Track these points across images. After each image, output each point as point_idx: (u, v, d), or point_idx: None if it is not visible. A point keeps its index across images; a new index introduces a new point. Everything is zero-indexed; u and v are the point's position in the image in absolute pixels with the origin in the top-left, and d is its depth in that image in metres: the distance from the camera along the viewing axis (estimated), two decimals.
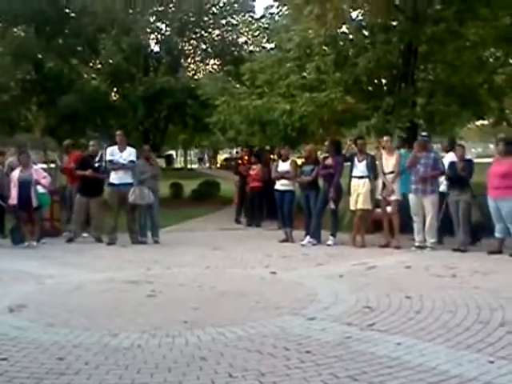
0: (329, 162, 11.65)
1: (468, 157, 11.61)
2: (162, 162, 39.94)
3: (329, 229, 11.66)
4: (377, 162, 11.41)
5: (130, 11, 22.40)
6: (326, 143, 12.20)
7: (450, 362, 4.69)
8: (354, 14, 15.78)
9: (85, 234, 12.64)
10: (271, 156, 16.35)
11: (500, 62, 15.26)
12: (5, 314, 6.50)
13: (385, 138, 11.56)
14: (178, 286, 7.91)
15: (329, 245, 11.35)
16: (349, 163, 11.73)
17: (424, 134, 11.56)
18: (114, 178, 11.99)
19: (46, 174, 12.27)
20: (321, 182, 11.93)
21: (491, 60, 15.61)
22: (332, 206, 11.49)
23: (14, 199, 11.58)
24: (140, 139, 22.27)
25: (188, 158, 59.94)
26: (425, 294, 7.03)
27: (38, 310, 6.72)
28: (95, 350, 5.26)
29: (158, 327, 5.88)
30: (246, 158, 16.01)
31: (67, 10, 22.50)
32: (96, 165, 12.26)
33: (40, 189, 11.83)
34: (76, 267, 9.47)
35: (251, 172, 15.09)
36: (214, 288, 7.75)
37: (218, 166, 51.60)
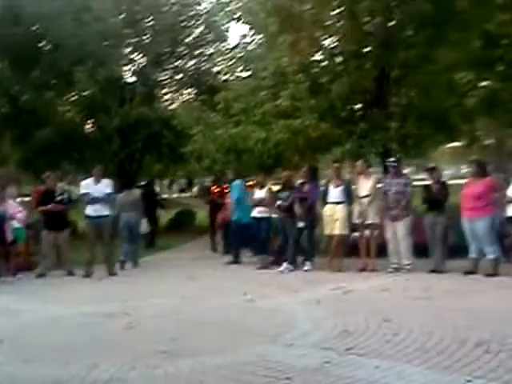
0: (305, 188, 11.72)
1: (443, 179, 11.77)
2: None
3: (306, 254, 11.66)
4: (353, 187, 11.51)
5: (105, 43, 22.44)
6: (303, 170, 12.27)
7: None
8: (326, 42, 15.99)
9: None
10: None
11: (471, 85, 15.49)
12: None
13: (358, 163, 11.69)
14: (156, 317, 7.86)
15: (306, 270, 11.36)
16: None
17: (392, 159, 11.65)
18: (91, 210, 11.90)
19: (21, 208, 12.20)
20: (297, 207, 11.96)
21: (462, 83, 15.84)
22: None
23: None
24: (115, 171, 22.22)
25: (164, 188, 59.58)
26: (402, 316, 7.08)
27: (15, 345, 6.66)
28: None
29: (136, 359, 5.84)
30: (215, 188, 15.98)
31: (42, 44, 22.49)
32: (58, 198, 12.20)
33: (15, 223, 11.74)
34: (52, 301, 9.39)
35: (226, 201, 15.08)
36: (191, 318, 7.73)
37: (194, 195, 51.46)
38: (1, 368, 5.77)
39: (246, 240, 13.26)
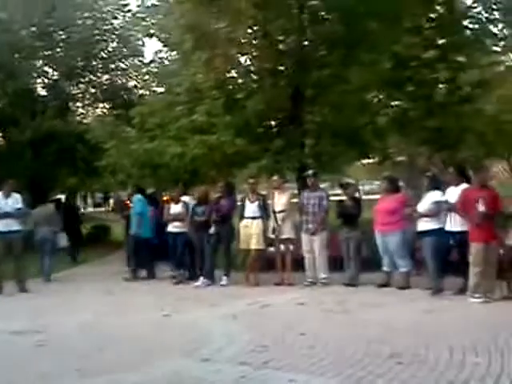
0: (222, 202, 11.73)
1: (356, 195, 12.03)
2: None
3: (222, 269, 11.66)
4: (268, 202, 11.60)
5: (17, 55, 21.89)
6: (220, 185, 12.27)
7: None
8: (242, 59, 16.12)
9: None
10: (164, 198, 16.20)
11: (382, 104, 15.91)
12: None
13: (274, 178, 11.80)
14: (68, 334, 7.65)
15: (223, 285, 11.33)
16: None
17: (309, 173, 11.82)
18: (0, 225, 11.49)
19: None
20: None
21: (374, 102, 16.25)
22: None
23: None
24: (26, 184, 21.59)
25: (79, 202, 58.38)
26: (318, 329, 7.18)
27: None
28: None
29: (47, 377, 5.67)
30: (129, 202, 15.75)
31: None
32: None
33: None
34: None
35: None
36: (105, 334, 7.57)
37: (110, 209, 50.73)
38: None
39: (145, 256, 13.15)
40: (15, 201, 11.69)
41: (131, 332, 7.61)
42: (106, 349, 6.81)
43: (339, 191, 13.46)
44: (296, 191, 13.85)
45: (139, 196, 13.48)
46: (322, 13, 14.93)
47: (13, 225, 11.56)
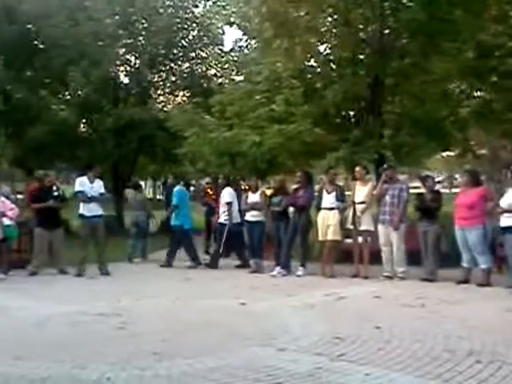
0: (300, 193, 11.72)
1: (436, 188, 11.81)
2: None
3: (298, 259, 11.67)
4: (347, 193, 11.52)
5: (100, 43, 22.44)
6: (298, 174, 12.25)
7: None
8: (321, 48, 16.03)
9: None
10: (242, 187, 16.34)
11: (464, 95, 15.57)
12: None
13: (357, 169, 11.67)
14: (148, 318, 7.84)
15: (298, 275, 11.34)
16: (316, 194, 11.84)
17: (387, 165, 11.68)
18: (85, 209, 11.88)
19: (13, 205, 12.13)
20: (291, 212, 11.97)
21: (456, 93, 15.91)
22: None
23: None
24: (109, 171, 22.20)
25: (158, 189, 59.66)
26: (394, 323, 7.07)
27: (6, 343, 6.60)
28: (63, 383, 5.19)
29: (127, 360, 5.81)
30: (210, 190, 15.92)
31: (36, 43, 22.48)
32: (55, 194, 12.23)
33: (6, 221, 11.68)
34: (44, 299, 9.34)
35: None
36: (183, 319, 7.69)
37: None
38: None
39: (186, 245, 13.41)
40: (99, 186, 12.08)
41: (208, 318, 7.71)
42: (184, 333, 6.94)
43: (417, 184, 13.25)
44: (375, 183, 13.73)
45: (180, 187, 13.66)
46: (404, 0, 14.68)
47: (97, 209, 11.96)
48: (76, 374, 5.40)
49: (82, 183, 12.04)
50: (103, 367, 5.58)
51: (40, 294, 9.79)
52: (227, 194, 13.18)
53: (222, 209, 13.13)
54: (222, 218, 13.07)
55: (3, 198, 12.19)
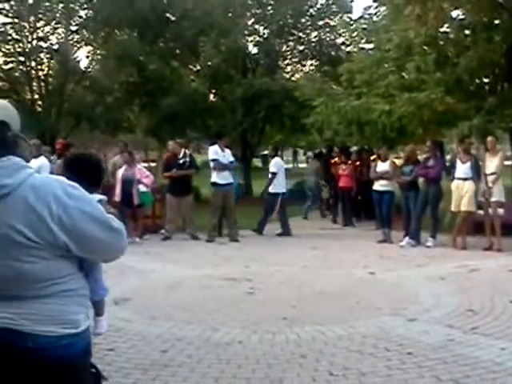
0: (430, 163, 11.45)
1: None
2: (258, 162, 40.30)
3: (428, 230, 11.43)
4: (480, 163, 11.12)
5: (229, 14, 22.73)
6: (427, 144, 11.96)
7: None
8: (454, 13, 15.44)
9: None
10: (370, 156, 16.14)
11: None
12: (111, 306, 6.68)
13: (489, 139, 11.22)
14: (277, 284, 7.99)
15: (428, 246, 11.12)
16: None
17: None
18: (219, 177, 12.21)
19: (148, 173, 12.61)
20: (421, 182, 11.73)
21: None
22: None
23: (117, 196, 11.91)
24: (238, 140, 22.58)
25: (285, 158, 59.87)
26: None
27: (142, 304, 6.95)
28: (197, 344, 5.40)
29: (257, 324, 5.97)
30: (337, 158, 15.82)
31: (168, 15, 23.09)
32: (181, 161, 12.54)
33: (142, 187, 12.15)
34: (176, 263, 9.73)
35: (341, 172, 15.02)
36: (312, 287, 7.78)
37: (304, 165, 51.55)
38: (129, 325, 6.04)
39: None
40: (229, 155, 12.39)
41: (336, 287, 7.75)
42: (312, 301, 7.02)
43: None
44: (509, 153, 13.15)
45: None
46: None
47: (229, 177, 12.32)
48: (209, 336, 5.61)
49: (215, 152, 12.33)
50: (235, 330, 5.77)
51: (173, 258, 10.20)
52: (274, 165, 13.25)
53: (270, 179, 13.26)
54: (272, 188, 13.14)
55: (140, 166, 12.72)
